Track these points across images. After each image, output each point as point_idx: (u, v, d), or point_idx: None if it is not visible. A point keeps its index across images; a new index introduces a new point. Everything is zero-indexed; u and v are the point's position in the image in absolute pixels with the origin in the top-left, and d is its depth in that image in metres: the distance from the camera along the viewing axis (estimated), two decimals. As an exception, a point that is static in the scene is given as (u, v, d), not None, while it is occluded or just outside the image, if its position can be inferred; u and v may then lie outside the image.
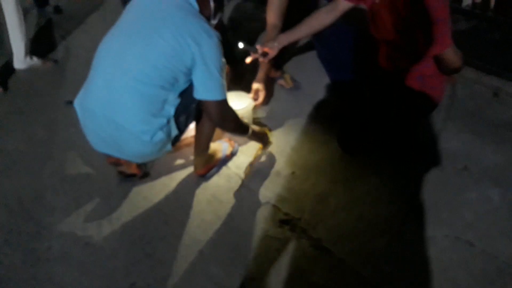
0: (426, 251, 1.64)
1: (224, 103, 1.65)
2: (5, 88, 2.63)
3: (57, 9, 3.79)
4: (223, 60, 1.62)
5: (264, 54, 1.95)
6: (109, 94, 1.57)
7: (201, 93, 1.61)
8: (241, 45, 1.93)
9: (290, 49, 2.54)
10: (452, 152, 2.08)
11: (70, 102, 1.77)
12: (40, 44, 3.25)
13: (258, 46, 1.94)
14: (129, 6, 1.66)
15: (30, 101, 2.52)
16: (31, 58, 2.83)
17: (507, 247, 1.65)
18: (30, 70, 2.84)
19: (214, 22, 1.72)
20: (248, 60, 1.97)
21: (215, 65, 1.58)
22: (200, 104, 1.68)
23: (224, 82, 1.63)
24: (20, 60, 2.78)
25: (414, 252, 1.65)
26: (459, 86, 2.54)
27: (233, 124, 1.75)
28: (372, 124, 1.98)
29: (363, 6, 1.87)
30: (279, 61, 2.69)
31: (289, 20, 2.12)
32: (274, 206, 1.81)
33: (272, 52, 1.95)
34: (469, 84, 2.57)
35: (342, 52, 2.09)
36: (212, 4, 1.66)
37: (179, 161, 2.03)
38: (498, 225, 1.73)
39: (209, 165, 1.94)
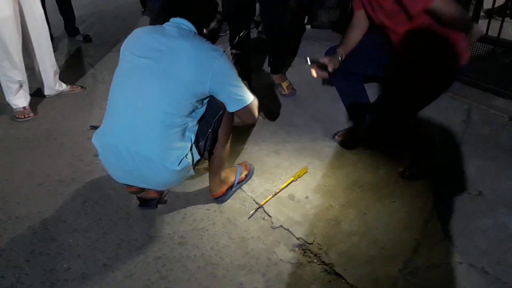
0: (439, 279, 1.64)
1: (252, 103, 1.76)
2: (35, 113, 2.77)
3: (87, 38, 4.00)
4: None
5: (324, 67, 2.05)
6: (131, 128, 1.64)
7: (232, 107, 1.73)
8: (308, 60, 2.07)
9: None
10: (466, 177, 2.08)
11: (95, 127, 1.87)
12: (70, 71, 3.43)
13: (322, 60, 2.05)
14: (130, 41, 1.74)
15: (57, 125, 2.66)
16: (60, 85, 2.99)
17: (521, 275, 1.63)
18: (59, 96, 3.00)
19: None
20: (314, 74, 2.10)
21: (231, 76, 1.69)
22: (215, 128, 1.78)
23: (244, 86, 1.74)
24: (50, 87, 2.94)
25: (426, 279, 1.64)
26: (474, 111, 2.54)
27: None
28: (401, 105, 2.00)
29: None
30: (279, 66, 2.82)
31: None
32: (287, 230, 1.84)
33: (336, 65, 2.04)
34: (484, 109, 2.57)
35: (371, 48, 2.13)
36: (205, 32, 1.78)
37: (196, 184, 2.09)
38: (514, 252, 1.71)
39: (224, 188, 1.99)
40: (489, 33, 2.80)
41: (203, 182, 2.09)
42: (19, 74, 2.61)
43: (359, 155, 2.28)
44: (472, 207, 1.92)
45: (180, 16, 1.72)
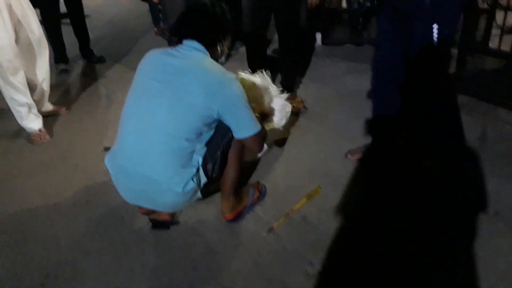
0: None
1: (260, 132, 1.76)
2: (51, 135, 2.82)
3: (101, 59, 4.08)
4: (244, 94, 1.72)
5: None
6: (140, 151, 1.67)
7: (239, 133, 1.73)
8: None
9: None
10: (483, 197, 2.04)
11: (108, 149, 1.90)
12: (84, 92, 3.49)
13: None
14: (144, 63, 1.78)
15: (72, 146, 2.70)
16: (47, 106, 3.03)
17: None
18: (73, 116, 3.05)
19: (222, 61, 1.87)
20: None
21: (240, 103, 1.69)
22: (224, 150, 1.79)
23: (253, 115, 1.74)
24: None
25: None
26: (490, 127, 2.50)
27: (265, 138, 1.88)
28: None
29: None
30: (292, 85, 2.85)
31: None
32: (300, 253, 1.82)
33: None
34: (500, 125, 2.53)
35: None
36: (219, 49, 1.81)
37: (208, 205, 2.09)
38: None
39: (237, 210, 1.99)
40: (502, 48, 2.78)
41: (215, 203, 2.09)
42: (23, 97, 2.65)
43: (372, 174, 2.25)
44: (489, 228, 1.88)
45: (190, 38, 1.74)
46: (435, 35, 1.90)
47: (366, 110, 2.77)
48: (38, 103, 2.91)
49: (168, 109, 1.64)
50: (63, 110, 3.13)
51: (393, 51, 2.11)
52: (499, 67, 2.79)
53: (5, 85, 2.59)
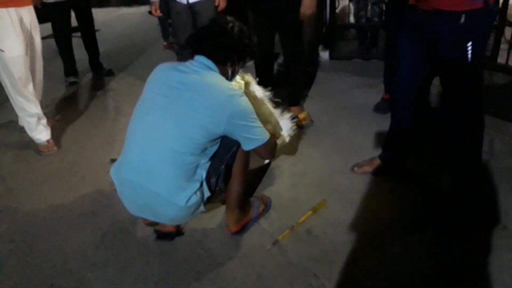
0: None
1: (269, 140, 1.79)
2: (59, 146, 2.84)
3: (110, 73, 4.14)
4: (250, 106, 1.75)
5: None
6: (144, 165, 1.69)
7: (249, 146, 1.76)
8: None
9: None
10: (491, 211, 2.02)
11: (115, 160, 1.92)
12: (93, 104, 3.54)
13: None
14: (153, 77, 1.81)
15: (79, 158, 2.72)
16: None
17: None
18: (81, 128, 3.08)
19: (232, 81, 1.89)
20: None
21: (247, 118, 1.71)
22: (228, 164, 1.80)
23: (260, 125, 1.77)
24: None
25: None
26: (497, 141, 2.49)
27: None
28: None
29: None
30: (298, 98, 2.86)
31: None
32: (304, 267, 1.81)
33: None
34: (508, 140, 2.52)
35: None
36: (230, 70, 1.82)
37: (212, 218, 2.09)
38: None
39: (241, 223, 1.98)
40: (509, 63, 2.78)
41: (220, 215, 2.09)
42: (34, 107, 2.70)
43: (379, 188, 2.25)
44: (496, 242, 1.86)
45: (202, 54, 1.77)
46: (469, 54, 1.84)
47: (373, 123, 2.79)
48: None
49: (174, 125, 1.66)
50: (53, 123, 3.11)
51: (417, 73, 2.06)
52: (507, 82, 2.79)
53: (16, 96, 2.64)
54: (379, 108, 3.07)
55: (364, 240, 1.93)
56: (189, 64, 1.75)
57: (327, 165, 2.48)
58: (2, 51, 2.49)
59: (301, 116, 2.90)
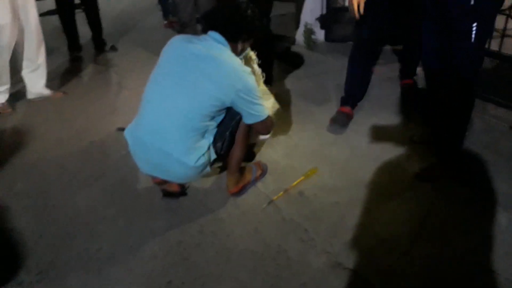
0: (434, 270, 1.78)
1: (268, 118, 1.97)
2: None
3: (113, 48, 4.25)
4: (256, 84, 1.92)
5: None
6: (158, 127, 1.87)
7: (249, 119, 1.95)
8: None
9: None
10: (466, 181, 2.23)
11: (122, 129, 2.09)
12: (97, 78, 3.68)
13: None
14: (167, 49, 1.97)
15: (86, 126, 2.88)
16: (44, 90, 3.23)
17: (510, 266, 1.77)
18: (86, 100, 3.23)
19: (240, 57, 2.04)
20: None
21: (253, 94, 1.89)
22: (232, 131, 1.99)
23: (263, 103, 1.94)
24: (33, 92, 3.20)
25: (422, 267, 1.79)
26: (476, 120, 2.69)
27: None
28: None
29: None
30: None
31: None
32: (296, 223, 2.01)
33: None
34: (486, 118, 2.72)
35: None
36: (239, 47, 1.99)
37: (213, 181, 2.29)
38: (504, 246, 1.85)
39: (240, 185, 2.18)
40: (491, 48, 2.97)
41: (220, 179, 2.28)
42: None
43: (367, 157, 2.45)
44: (469, 207, 2.07)
45: (216, 30, 1.93)
46: (473, 34, 1.94)
47: (364, 100, 2.96)
48: (31, 85, 3.16)
49: (187, 93, 1.84)
50: (59, 94, 3.29)
51: (439, 57, 2.18)
52: (493, 67, 3.00)
53: None
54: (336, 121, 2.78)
55: (351, 202, 2.13)
56: (202, 38, 1.92)
57: (319, 138, 2.67)
58: None
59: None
